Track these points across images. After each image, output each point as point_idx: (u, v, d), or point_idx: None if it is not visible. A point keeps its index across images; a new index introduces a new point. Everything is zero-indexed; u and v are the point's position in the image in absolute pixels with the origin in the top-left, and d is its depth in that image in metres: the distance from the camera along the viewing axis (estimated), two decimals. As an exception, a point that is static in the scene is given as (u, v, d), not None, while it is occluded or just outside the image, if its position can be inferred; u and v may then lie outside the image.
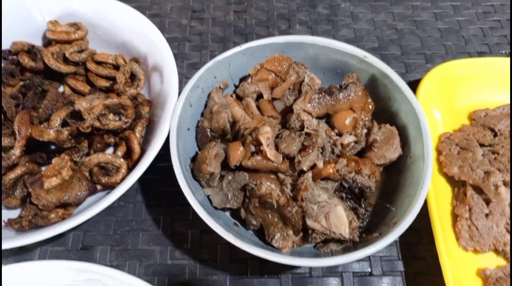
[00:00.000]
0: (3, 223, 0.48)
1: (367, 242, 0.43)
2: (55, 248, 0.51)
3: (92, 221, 0.53)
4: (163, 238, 0.52)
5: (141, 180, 0.55)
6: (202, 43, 0.69)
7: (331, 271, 0.50)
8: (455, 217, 0.51)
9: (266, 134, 0.47)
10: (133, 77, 0.59)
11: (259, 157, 0.47)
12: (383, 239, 0.42)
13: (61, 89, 0.60)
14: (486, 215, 0.50)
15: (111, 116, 0.51)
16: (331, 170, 0.46)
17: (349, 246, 0.45)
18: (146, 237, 0.52)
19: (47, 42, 0.61)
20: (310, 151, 0.47)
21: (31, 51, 0.59)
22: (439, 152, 0.55)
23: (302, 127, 0.49)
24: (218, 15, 0.72)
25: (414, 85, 0.57)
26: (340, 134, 0.50)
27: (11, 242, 0.42)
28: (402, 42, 0.70)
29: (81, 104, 0.49)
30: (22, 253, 0.50)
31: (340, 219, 0.45)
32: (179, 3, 0.73)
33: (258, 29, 0.71)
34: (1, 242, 0.42)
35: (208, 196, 0.49)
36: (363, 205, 0.48)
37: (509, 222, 0.49)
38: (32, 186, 0.45)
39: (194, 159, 0.51)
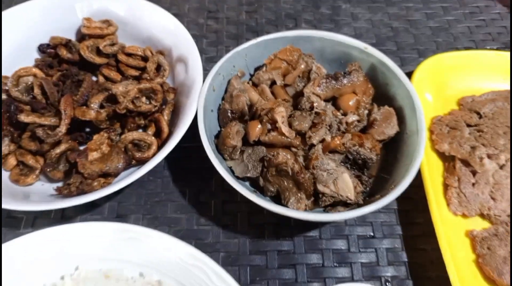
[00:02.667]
0: (53, 192, 0.54)
1: (370, 203, 0.50)
2: (93, 216, 0.58)
3: (125, 193, 0.60)
4: (189, 207, 0.59)
5: (167, 158, 0.61)
6: (217, 39, 0.76)
7: (338, 234, 0.57)
8: (446, 186, 0.58)
9: (281, 113, 0.55)
10: (158, 68, 0.66)
11: (275, 133, 0.54)
12: (384, 199, 0.48)
13: (93, 78, 0.67)
14: (473, 184, 0.57)
15: (143, 99, 0.58)
16: (338, 142, 0.53)
17: (354, 208, 0.52)
18: (173, 206, 0.59)
19: (81, 37, 0.69)
20: (320, 127, 0.55)
21: (67, 44, 0.66)
22: (431, 132, 0.62)
23: (312, 108, 0.56)
24: (232, 15, 0.79)
25: (408, 77, 0.64)
26: (345, 114, 0.57)
27: (64, 202, 0.49)
28: (398, 38, 0.78)
29: (118, 88, 0.56)
30: (65, 221, 0.57)
31: (346, 184, 0.51)
32: (196, 4, 0.81)
33: (268, 27, 0.78)
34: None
35: (230, 168, 0.56)
36: (365, 174, 0.55)
37: (492, 190, 0.56)
38: (79, 157, 0.52)
39: (217, 137, 0.58)
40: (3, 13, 0.63)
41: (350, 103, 0.57)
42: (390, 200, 0.48)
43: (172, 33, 0.65)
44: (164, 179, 0.61)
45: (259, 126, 0.55)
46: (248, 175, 0.54)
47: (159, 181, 0.61)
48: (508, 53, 0.68)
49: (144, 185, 0.60)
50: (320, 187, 0.52)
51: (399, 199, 0.59)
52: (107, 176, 0.54)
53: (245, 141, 0.56)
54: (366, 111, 0.58)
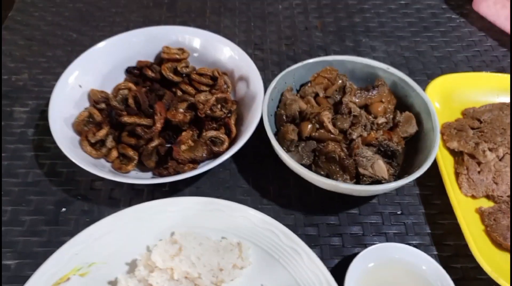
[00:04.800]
0: (145, 178, 0.69)
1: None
2: (177, 198, 0.72)
3: (201, 181, 0.74)
4: (252, 191, 0.73)
5: (233, 155, 0.76)
6: (264, 65, 0.94)
7: (374, 211, 0.71)
8: (457, 175, 0.73)
9: (327, 115, 0.71)
10: (221, 85, 0.83)
11: (322, 131, 0.70)
12: (411, 176, 0.63)
13: (170, 94, 0.83)
14: (478, 172, 0.72)
15: (218, 106, 0.75)
16: (373, 136, 0.69)
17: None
18: (240, 191, 0.73)
19: (159, 61, 0.86)
20: (357, 126, 0.70)
21: (150, 67, 0.83)
22: (442, 134, 0.78)
23: (350, 112, 0.72)
24: (274, 47, 0.98)
25: (421, 91, 0.81)
26: (375, 117, 0.73)
27: (167, 178, 0.64)
28: (409, 65, 0.96)
29: (200, 97, 0.73)
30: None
31: (381, 167, 0.66)
32: (244, 39, 0.99)
33: (304, 56, 0.96)
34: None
35: (288, 158, 0.71)
36: (394, 162, 0.70)
37: (494, 176, 0.71)
38: (176, 146, 0.67)
39: (275, 135, 0.73)
40: (105, 42, 0.81)
41: (379, 109, 0.74)
42: (415, 177, 0.63)
43: (234, 59, 0.83)
44: (231, 170, 0.76)
45: (310, 125, 0.71)
46: (303, 162, 0.69)
47: (227, 171, 0.76)
48: (499, 75, 0.86)
49: (216, 175, 0.75)
50: (361, 170, 0.67)
51: (420, 186, 0.75)
52: (194, 162, 0.69)
53: (299, 138, 0.72)
54: (391, 116, 0.74)
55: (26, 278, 0.59)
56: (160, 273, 0.58)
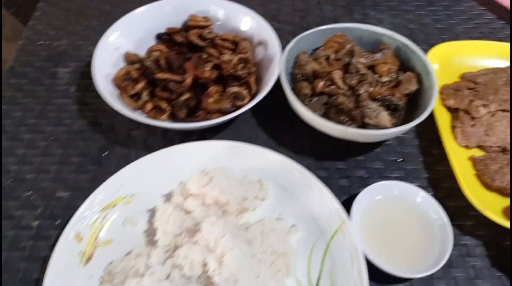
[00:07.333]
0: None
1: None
2: (204, 145, 0.82)
3: (225, 132, 0.84)
4: (270, 141, 0.83)
5: (252, 109, 0.85)
6: (279, 34, 1.00)
7: (378, 158, 0.81)
8: (453, 128, 0.82)
9: (338, 73, 0.80)
10: (242, 50, 0.92)
11: (333, 87, 0.80)
12: (410, 123, 0.72)
13: (195, 57, 0.93)
14: (472, 125, 0.81)
15: (240, 66, 0.84)
16: (378, 91, 0.78)
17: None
18: (259, 141, 0.82)
19: (186, 28, 0.95)
20: (364, 83, 0.80)
21: (179, 33, 0.93)
22: (440, 93, 0.87)
23: (357, 71, 0.81)
24: (289, 18, 1.07)
25: (423, 56, 0.90)
26: (380, 76, 0.82)
27: (197, 124, 0.74)
28: (413, 36, 1.04)
29: (225, 57, 0.83)
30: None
31: (384, 117, 0.76)
32: (261, 11, 1.07)
33: (315, 27, 1.05)
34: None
35: (302, 110, 0.80)
36: (396, 114, 0.79)
37: (486, 129, 0.80)
38: (204, 98, 0.77)
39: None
40: (142, 8, 0.91)
41: (384, 69, 0.83)
42: (414, 125, 0.72)
43: (253, 26, 0.92)
44: (251, 123, 0.85)
45: (322, 82, 0.81)
46: (315, 114, 0.79)
47: (248, 124, 0.85)
48: (496, 43, 0.94)
49: (238, 127, 0.85)
50: (366, 120, 0.76)
51: (419, 138, 0.84)
52: (220, 113, 0.79)
53: (312, 93, 0.81)
54: (395, 75, 0.83)
55: (77, 207, 0.69)
56: (194, 199, 0.68)
